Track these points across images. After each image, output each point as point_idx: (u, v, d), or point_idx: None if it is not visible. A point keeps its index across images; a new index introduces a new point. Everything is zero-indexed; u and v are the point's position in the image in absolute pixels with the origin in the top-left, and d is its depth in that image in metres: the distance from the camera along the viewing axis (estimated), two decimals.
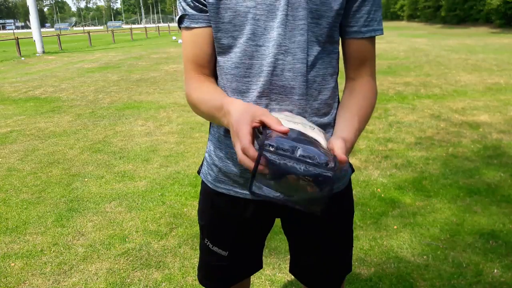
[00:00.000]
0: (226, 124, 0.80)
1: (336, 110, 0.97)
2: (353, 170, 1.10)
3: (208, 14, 0.89)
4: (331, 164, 0.65)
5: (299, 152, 0.65)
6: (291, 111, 0.89)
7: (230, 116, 0.76)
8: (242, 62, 0.89)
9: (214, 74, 0.97)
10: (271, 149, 0.65)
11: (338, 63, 0.96)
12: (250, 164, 0.68)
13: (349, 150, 0.80)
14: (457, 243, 2.32)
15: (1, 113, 6.19)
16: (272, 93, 0.89)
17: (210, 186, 1.06)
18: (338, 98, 0.99)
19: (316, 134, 0.75)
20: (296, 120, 0.80)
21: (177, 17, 0.95)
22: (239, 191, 1.00)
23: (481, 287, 1.95)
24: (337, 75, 0.97)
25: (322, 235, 1.05)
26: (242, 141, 0.69)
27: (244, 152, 0.69)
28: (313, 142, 0.70)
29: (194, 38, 0.93)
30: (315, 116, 0.92)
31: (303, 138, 0.70)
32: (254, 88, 0.89)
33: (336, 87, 0.97)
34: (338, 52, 0.95)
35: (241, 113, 0.74)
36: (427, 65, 9.42)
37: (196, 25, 0.91)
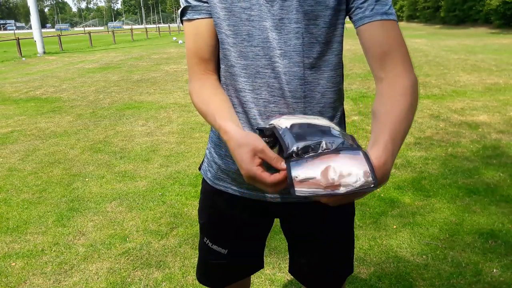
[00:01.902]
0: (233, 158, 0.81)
1: (340, 113, 0.96)
2: None
3: (208, 5, 0.90)
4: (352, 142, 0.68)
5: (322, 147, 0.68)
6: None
7: (233, 155, 0.77)
8: (238, 62, 0.89)
9: (218, 69, 0.96)
10: (295, 156, 0.68)
11: (342, 62, 0.93)
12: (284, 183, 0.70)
13: (384, 172, 0.71)
14: (456, 242, 2.33)
15: (2, 113, 6.20)
16: (270, 96, 0.88)
17: (209, 183, 1.06)
18: (343, 100, 0.98)
19: (322, 121, 0.77)
20: (296, 117, 0.81)
21: (180, 10, 0.94)
22: (237, 189, 1.01)
23: (480, 287, 1.96)
24: (343, 76, 0.95)
25: (322, 236, 1.05)
26: (267, 181, 0.71)
27: (277, 183, 0.70)
28: (324, 130, 0.72)
29: (197, 30, 0.92)
30: None
31: (314, 130, 0.72)
32: (250, 89, 0.89)
33: (342, 88, 0.95)
34: (341, 50, 0.92)
35: (241, 159, 0.74)
36: (426, 66, 9.42)
37: (198, 16, 0.91)
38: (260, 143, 0.74)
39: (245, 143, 0.75)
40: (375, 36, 0.84)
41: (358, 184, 0.64)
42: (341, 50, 0.91)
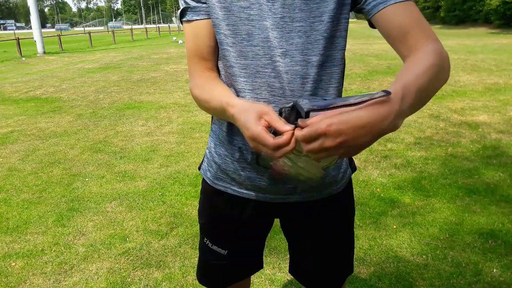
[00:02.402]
0: (238, 126, 0.80)
1: None
2: (354, 170, 1.08)
3: (207, 6, 0.90)
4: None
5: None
6: None
7: (238, 121, 0.77)
8: (238, 62, 0.89)
9: (218, 68, 0.96)
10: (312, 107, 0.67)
11: (344, 57, 0.93)
12: (287, 143, 0.68)
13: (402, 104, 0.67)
14: (456, 242, 2.33)
15: (2, 113, 6.20)
16: (270, 95, 0.88)
17: (209, 183, 1.06)
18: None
19: None
20: None
21: (179, 11, 0.95)
22: (237, 189, 1.00)
23: (480, 287, 1.96)
24: (344, 72, 0.94)
25: (322, 237, 1.05)
26: (269, 142, 0.69)
27: (280, 145, 0.68)
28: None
29: (196, 31, 0.92)
30: None
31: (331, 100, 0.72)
32: (249, 89, 0.89)
33: (342, 83, 0.94)
34: (345, 45, 0.92)
35: (246, 120, 0.73)
36: None
37: (197, 17, 0.91)
38: (266, 107, 0.74)
39: (251, 107, 0.75)
40: (393, 19, 0.82)
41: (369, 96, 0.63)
42: (345, 46, 0.91)
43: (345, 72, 0.98)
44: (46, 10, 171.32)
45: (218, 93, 0.87)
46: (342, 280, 1.13)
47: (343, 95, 1.00)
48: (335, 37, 0.88)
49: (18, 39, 17.75)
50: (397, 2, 0.82)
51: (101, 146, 4.35)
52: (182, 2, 0.93)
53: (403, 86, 0.69)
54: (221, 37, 0.89)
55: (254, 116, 0.72)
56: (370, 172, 3.35)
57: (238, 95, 0.90)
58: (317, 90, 0.88)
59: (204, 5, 0.90)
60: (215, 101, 0.86)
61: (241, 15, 0.86)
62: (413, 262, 2.16)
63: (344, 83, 0.98)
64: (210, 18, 0.91)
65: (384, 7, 0.82)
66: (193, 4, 0.91)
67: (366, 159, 3.65)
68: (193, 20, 0.92)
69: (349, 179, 1.06)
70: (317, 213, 1.02)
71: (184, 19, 0.93)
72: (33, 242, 2.50)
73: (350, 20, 0.92)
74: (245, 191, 1.00)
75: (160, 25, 62.52)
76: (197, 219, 1.17)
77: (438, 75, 0.76)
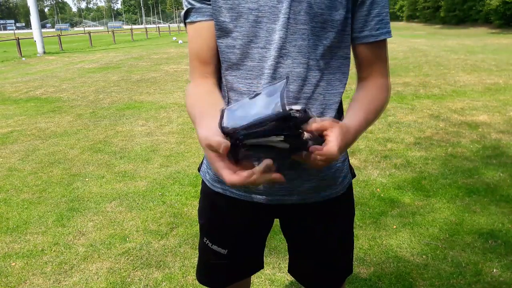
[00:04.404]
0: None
1: (341, 115, 0.96)
2: (354, 176, 1.08)
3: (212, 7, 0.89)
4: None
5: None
6: None
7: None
8: (244, 64, 0.89)
9: (218, 71, 0.96)
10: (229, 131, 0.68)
11: (348, 68, 0.95)
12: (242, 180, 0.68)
13: (350, 139, 0.81)
14: (456, 242, 2.33)
15: (2, 113, 6.20)
16: None
17: (208, 185, 1.06)
18: (342, 103, 0.98)
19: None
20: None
21: (183, 12, 0.94)
22: (235, 191, 1.00)
23: (480, 287, 1.96)
24: (346, 80, 0.95)
25: (321, 238, 1.05)
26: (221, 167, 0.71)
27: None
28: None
29: (199, 32, 0.92)
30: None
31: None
32: (254, 89, 0.88)
33: (343, 90, 0.95)
34: (349, 57, 0.93)
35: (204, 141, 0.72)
36: (426, 66, 9.42)
37: (202, 18, 0.91)
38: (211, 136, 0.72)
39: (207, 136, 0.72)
40: (373, 52, 0.94)
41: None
42: (348, 53, 0.92)
43: None
44: (46, 10, 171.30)
45: (199, 107, 0.86)
46: (342, 281, 1.13)
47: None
48: (336, 47, 0.89)
49: (18, 39, 17.75)
50: (384, 38, 0.93)
51: (101, 146, 4.35)
52: (186, 3, 0.92)
53: (358, 124, 0.86)
54: (227, 40, 0.89)
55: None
56: (370, 172, 3.35)
57: (242, 98, 0.90)
58: (315, 94, 0.89)
59: (208, 6, 0.89)
60: (193, 113, 0.86)
61: (249, 17, 0.86)
62: (413, 262, 2.16)
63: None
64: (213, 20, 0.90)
65: (375, 41, 0.92)
66: (197, 5, 0.90)
67: (366, 159, 3.65)
68: (197, 21, 0.91)
69: (350, 183, 1.06)
70: (317, 215, 1.02)
71: (188, 20, 0.92)
72: (33, 242, 2.50)
73: None
74: (242, 193, 0.99)
75: (160, 25, 62.60)
76: (197, 219, 1.17)
77: (382, 110, 0.96)
